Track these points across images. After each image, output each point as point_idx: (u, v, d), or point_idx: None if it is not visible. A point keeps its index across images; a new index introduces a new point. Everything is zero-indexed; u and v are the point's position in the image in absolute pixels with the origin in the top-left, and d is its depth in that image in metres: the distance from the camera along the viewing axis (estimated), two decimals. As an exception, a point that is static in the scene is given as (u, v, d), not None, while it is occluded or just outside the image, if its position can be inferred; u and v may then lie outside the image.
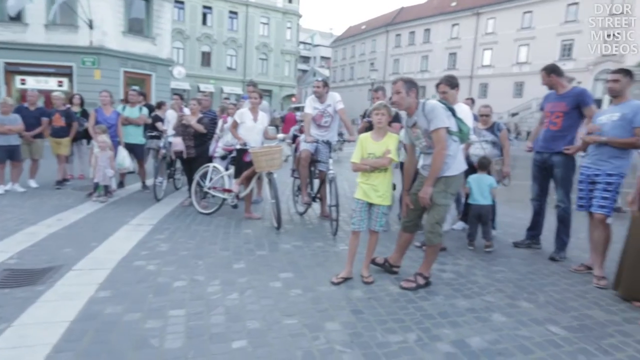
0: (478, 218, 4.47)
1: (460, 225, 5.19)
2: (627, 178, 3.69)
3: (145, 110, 7.19)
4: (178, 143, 5.76)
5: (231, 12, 36.66)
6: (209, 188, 5.60)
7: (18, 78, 17.33)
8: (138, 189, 7.10)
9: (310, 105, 5.44)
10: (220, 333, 2.58)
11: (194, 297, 3.06)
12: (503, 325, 2.78)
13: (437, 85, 4.34)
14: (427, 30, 43.66)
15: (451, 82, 4.24)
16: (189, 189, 5.96)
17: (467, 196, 4.56)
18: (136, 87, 11.83)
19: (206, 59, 36.05)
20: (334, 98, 5.44)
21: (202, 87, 33.82)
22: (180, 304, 2.93)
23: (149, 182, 6.97)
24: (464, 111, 4.06)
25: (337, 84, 52.15)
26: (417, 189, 3.38)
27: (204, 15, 35.61)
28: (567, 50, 32.99)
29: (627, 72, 3.64)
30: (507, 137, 5.00)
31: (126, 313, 2.76)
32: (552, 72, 4.11)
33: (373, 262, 3.67)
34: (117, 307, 2.84)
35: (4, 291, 3.03)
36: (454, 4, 41.43)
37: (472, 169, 4.57)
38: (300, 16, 40.37)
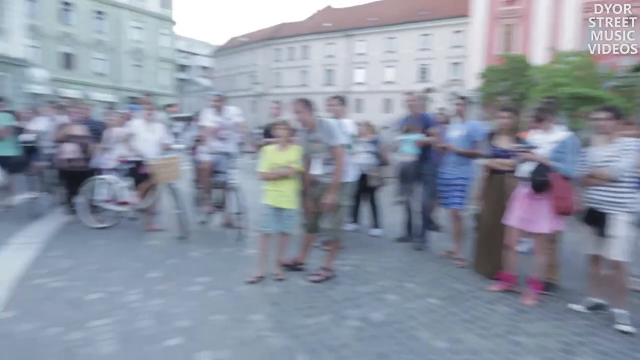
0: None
1: (351, 226, 5.90)
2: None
3: (4, 119, 6.00)
4: (69, 150, 5.37)
5: (97, 11, 33.53)
6: (105, 202, 5.35)
7: None
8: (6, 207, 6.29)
9: (209, 118, 5.63)
10: (152, 334, 2.71)
11: (114, 307, 3.08)
12: (395, 302, 3.45)
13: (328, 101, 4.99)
14: (306, 47, 45.96)
15: (342, 100, 4.93)
16: (70, 205, 5.59)
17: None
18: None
19: (68, 61, 32.18)
20: (232, 111, 5.73)
21: (65, 92, 30.03)
22: (101, 315, 2.94)
23: (17, 198, 6.26)
24: (348, 125, 4.79)
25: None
26: (319, 194, 3.89)
27: (63, 12, 31.81)
28: (424, 73, 38.11)
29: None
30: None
31: (42, 329, 2.69)
32: None
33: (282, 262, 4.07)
34: (29, 325, 2.73)
35: None
36: (329, 24, 44.48)
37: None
38: (174, 23, 38.95)
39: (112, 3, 34.14)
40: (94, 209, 5.44)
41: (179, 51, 49.63)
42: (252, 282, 3.71)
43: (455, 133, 4.74)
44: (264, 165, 3.84)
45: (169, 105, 38.06)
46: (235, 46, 53.77)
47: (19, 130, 6.32)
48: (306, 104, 3.79)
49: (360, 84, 41.73)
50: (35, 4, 28.63)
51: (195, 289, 3.53)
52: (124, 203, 5.31)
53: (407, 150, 4.99)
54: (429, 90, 6.63)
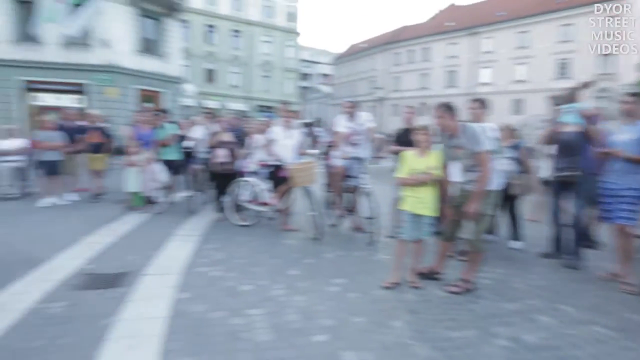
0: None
1: (488, 237, 5.49)
2: None
3: (171, 129, 7.34)
4: (221, 155, 6.09)
5: (235, 30, 37.53)
6: (247, 202, 5.91)
7: (35, 95, 17.70)
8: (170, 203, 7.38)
9: (342, 124, 5.79)
10: (300, 328, 2.88)
11: (264, 299, 3.36)
12: (550, 325, 3.09)
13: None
14: (426, 49, 44.64)
15: (483, 103, 4.62)
16: (219, 203, 6.28)
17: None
18: (150, 105, 12.01)
19: (210, 76, 36.70)
20: (364, 117, 5.81)
21: (207, 104, 34.29)
22: (255, 305, 3.23)
23: (178, 196, 7.29)
24: (491, 129, 4.44)
25: (340, 101, 52.83)
26: (460, 201, 3.70)
27: (208, 34, 36.43)
28: (563, 69, 33.87)
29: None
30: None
31: (210, 312, 3.07)
32: None
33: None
34: (200, 307, 3.14)
35: (93, 292, 3.37)
36: (452, 23, 42.52)
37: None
38: (299, 34, 41.46)
39: (247, 21, 37.85)
40: (238, 208, 6.05)
41: (302, 61, 52.52)
42: (387, 288, 3.69)
43: (622, 136, 4.06)
44: (403, 171, 3.80)
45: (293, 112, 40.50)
46: (354, 52, 54.94)
47: (181, 138, 7.40)
48: (448, 108, 3.65)
49: (485, 84, 38.94)
50: (187, 29, 33.24)
51: (333, 289, 3.65)
52: (264, 204, 5.79)
53: (570, 119, 4.44)
54: (586, 85, 5.78)
